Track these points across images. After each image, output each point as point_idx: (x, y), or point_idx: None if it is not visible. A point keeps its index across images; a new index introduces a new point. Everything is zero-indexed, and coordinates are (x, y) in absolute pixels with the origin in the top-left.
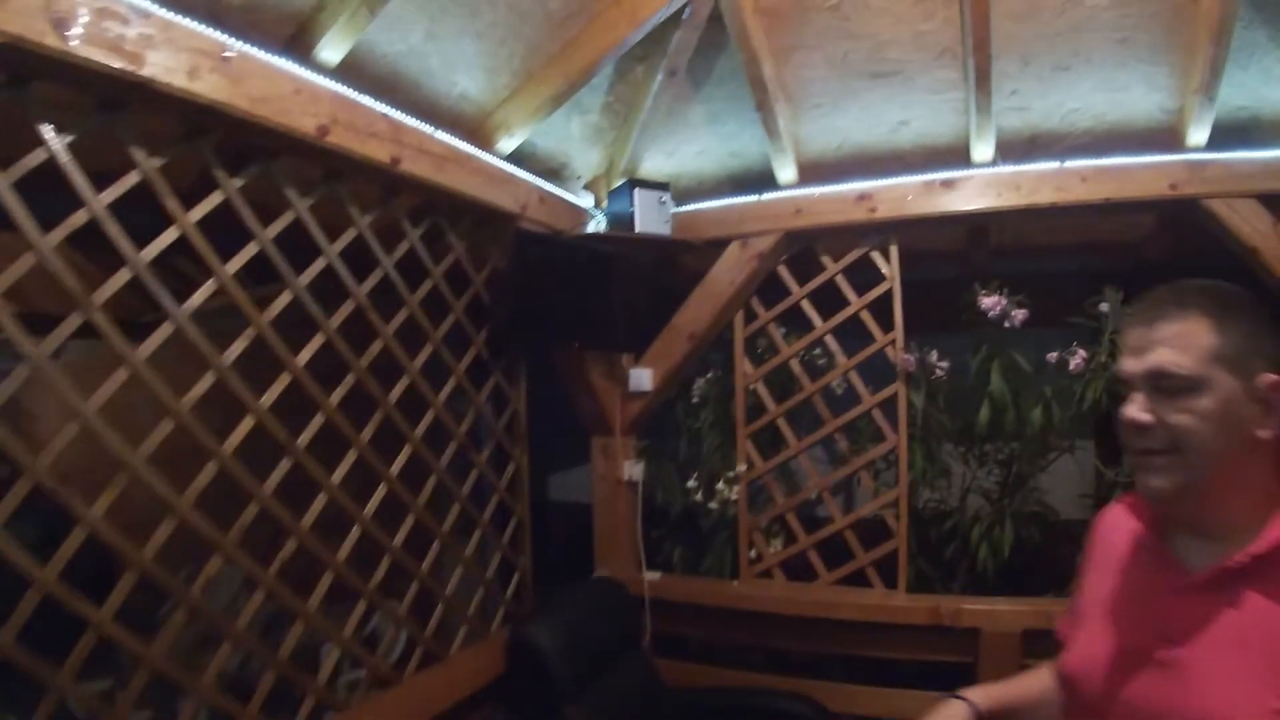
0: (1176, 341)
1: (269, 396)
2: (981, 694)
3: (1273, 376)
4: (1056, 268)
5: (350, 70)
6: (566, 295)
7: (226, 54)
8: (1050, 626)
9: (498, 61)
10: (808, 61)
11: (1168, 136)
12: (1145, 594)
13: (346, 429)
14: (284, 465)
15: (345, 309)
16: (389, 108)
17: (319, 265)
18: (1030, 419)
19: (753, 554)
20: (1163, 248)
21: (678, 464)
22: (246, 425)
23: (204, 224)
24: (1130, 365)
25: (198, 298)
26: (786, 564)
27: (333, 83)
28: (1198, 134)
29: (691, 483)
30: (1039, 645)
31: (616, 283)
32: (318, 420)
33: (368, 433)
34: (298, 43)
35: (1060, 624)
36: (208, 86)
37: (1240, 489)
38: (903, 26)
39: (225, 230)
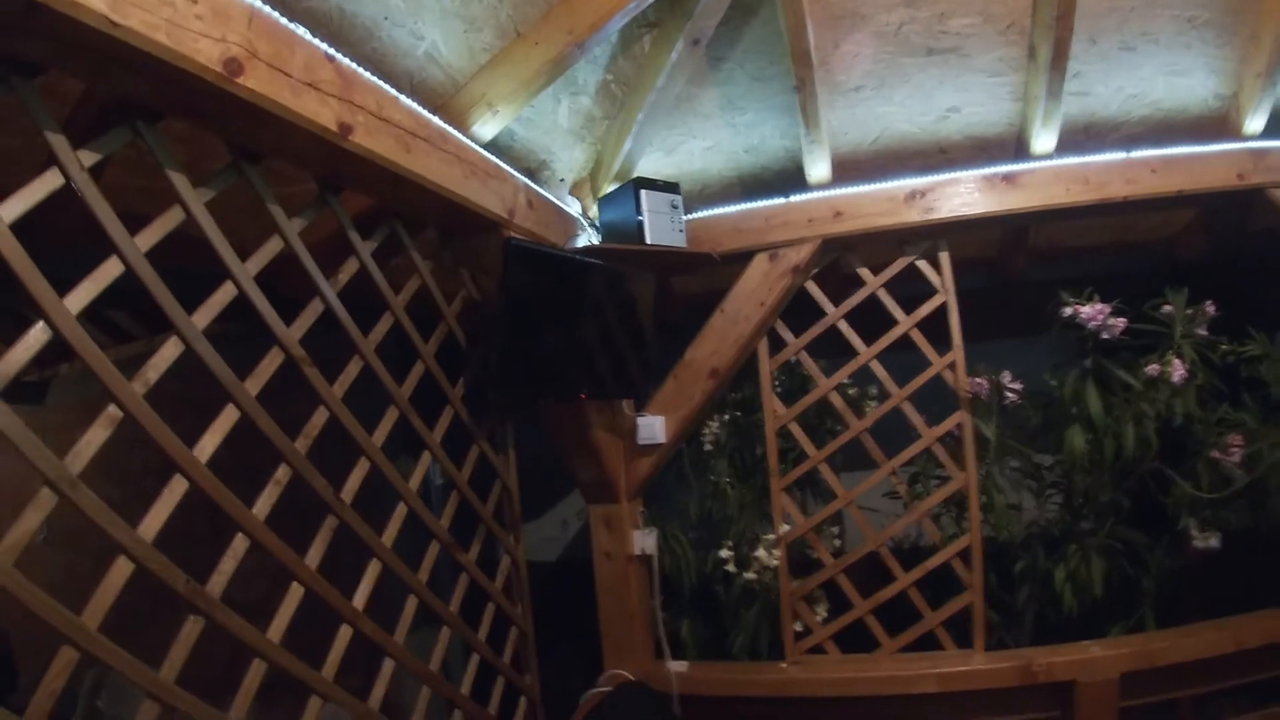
0: None
1: (155, 517)
2: None
3: None
4: (1090, 272)
5: None
6: (570, 330)
7: None
8: (1151, 666)
9: (481, 9)
10: (854, 35)
11: (1220, 125)
12: None
13: (283, 553)
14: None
15: (269, 365)
16: (334, 49)
17: (223, 295)
18: (1125, 443)
19: (798, 627)
20: (1196, 246)
21: (688, 527)
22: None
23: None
24: None
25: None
26: (838, 634)
27: None
28: (1254, 122)
29: (725, 551)
30: (1137, 689)
31: (630, 311)
32: (239, 544)
33: (315, 553)
34: None
35: None
36: None
37: None
38: None
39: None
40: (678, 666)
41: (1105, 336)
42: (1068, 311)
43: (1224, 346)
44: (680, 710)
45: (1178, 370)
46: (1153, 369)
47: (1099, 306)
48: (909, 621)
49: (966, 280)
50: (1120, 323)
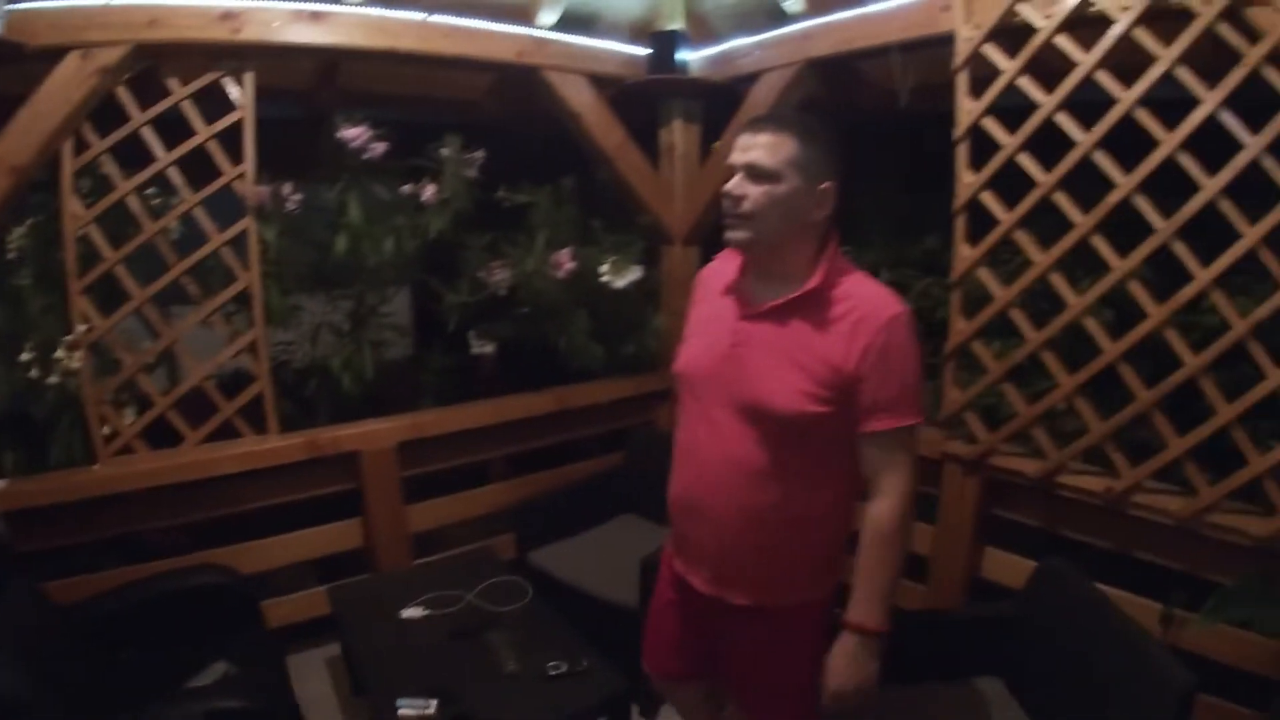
0: (769, 147)
1: None
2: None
3: (829, 183)
4: (398, 118)
5: None
6: None
7: None
8: (420, 436)
9: None
10: None
11: (520, 13)
12: (729, 315)
13: None
14: None
15: None
16: None
17: None
18: (383, 249)
19: (106, 430)
20: (494, 109)
21: None
22: None
23: None
24: (737, 157)
25: None
26: (148, 434)
27: None
28: (547, 16)
29: (25, 355)
30: (412, 456)
31: None
32: None
33: None
34: None
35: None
36: None
37: (795, 250)
38: None
39: None
40: None
41: (365, 156)
42: (338, 134)
43: (501, 194)
44: (6, 529)
45: (427, 192)
46: (406, 188)
47: (359, 129)
48: (210, 416)
49: (280, 110)
50: (380, 146)
